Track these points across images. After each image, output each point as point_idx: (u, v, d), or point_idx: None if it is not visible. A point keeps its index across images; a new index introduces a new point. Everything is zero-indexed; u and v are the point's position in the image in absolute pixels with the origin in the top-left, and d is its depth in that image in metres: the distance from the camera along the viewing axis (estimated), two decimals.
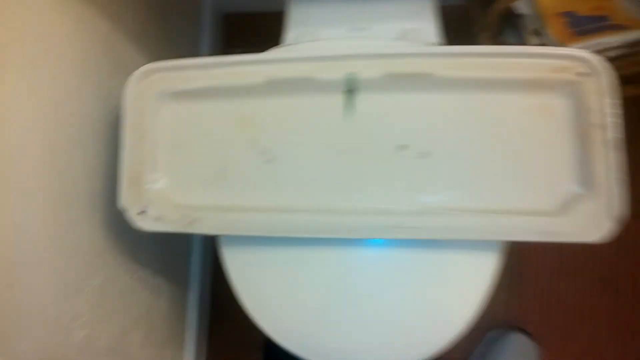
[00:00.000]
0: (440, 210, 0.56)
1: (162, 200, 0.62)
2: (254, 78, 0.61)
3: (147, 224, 0.61)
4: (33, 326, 0.54)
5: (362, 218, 0.58)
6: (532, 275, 1.06)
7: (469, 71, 0.57)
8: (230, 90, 0.61)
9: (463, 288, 0.60)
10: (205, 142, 0.63)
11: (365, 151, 0.60)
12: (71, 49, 0.60)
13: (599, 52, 0.68)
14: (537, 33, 0.79)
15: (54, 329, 0.58)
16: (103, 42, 0.68)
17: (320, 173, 0.61)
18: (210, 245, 1.10)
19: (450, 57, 0.57)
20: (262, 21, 1.16)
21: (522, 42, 0.81)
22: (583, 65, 0.54)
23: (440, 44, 0.70)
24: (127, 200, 0.61)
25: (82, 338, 0.63)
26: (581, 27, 0.77)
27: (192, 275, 1.03)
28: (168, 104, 0.63)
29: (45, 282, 0.56)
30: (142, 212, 0.61)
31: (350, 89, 0.60)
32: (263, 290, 0.64)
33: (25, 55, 0.53)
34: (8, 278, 0.51)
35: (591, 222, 0.52)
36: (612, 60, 0.60)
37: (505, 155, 0.57)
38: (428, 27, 0.71)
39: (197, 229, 0.60)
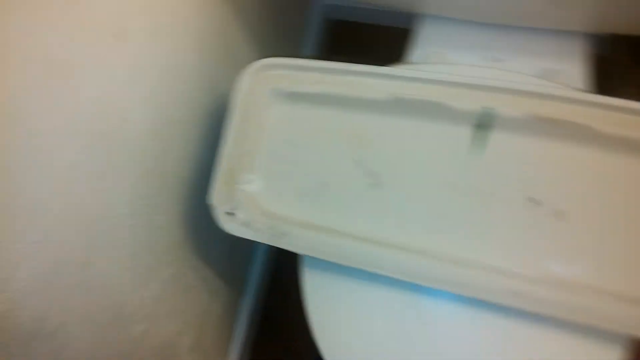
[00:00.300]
0: (571, 285, 0.48)
1: (253, 204, 0.56)
2: (378, 93, 0.55)
3: (233, 226, 0.56)
4: (95, 313, 0.50)
5: (472, 273, 0.50)
6: None
7: (631, 130, 0.49)
8: (349, 100, 0.56)
9: None
10: (310, 151, 0.57)
11: (488, 197, 0.53)
12: (190, 30, 0.57)
13: None
14: None
15: (115, 319, 0.54)
16: (219, 29, 0.65)
17: (431, 211, 0.54)
18: (274, 258, 1.05)
19: (614, 111, 0.49)
20: (369, 33, 1.11)
21: None
22: None
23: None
24: (218, 197, 0.56)
25: (139, 333, 0.59)
26: None
27: (250, 284, 0.97)
28: (280, 103, 0.58)
29: (118, 268, 0.52)
30: (231, 213, 0.56)
31: (484, 123, 0.53)
32: (338, 325, 0.58)
33: (152, 24, 0.49)
34: (84, 257, 0.47)
35: None
36: None
37: None
38: (575, 71, 0.62)
39: (284, 244, 0.55)
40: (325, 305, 0.59)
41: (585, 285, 0.48)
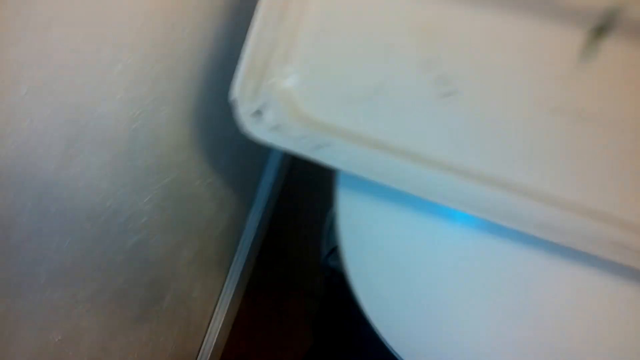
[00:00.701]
0: None
1: (288, 103, 0.44)
2: None
3: (260, 130, 0.44)
4: (83, 220, 0.40)
5: (570, 217, 0.40)
6: None
7: None
8: None
9: None
10: (367, 42, 0.44)
11: (588, 121, 0.41)
12: None
13: None
14: None
15: (106, 225, 0.43)
16: None
17: (519, 135, 0.42)
18: (288, 167, 0.94)
19: None
20: None
21: None
22: None
23: None
24: (243, 92, 0.44)
25: (133, 244, 0.49)
26: None
27: (260, 195, 0.87)
28: None
29: (109, 167, 0.41)
30: (258, 113, 0.44)
31: (604, 26, 0.40)
32: (375, 278, 0.49)
33: None
34: (65, 156, 0.35)
35: None
36: None
37: None
38: None
39: (321, 157, 0.43)
40: (360, 241, 0.49)
41: None
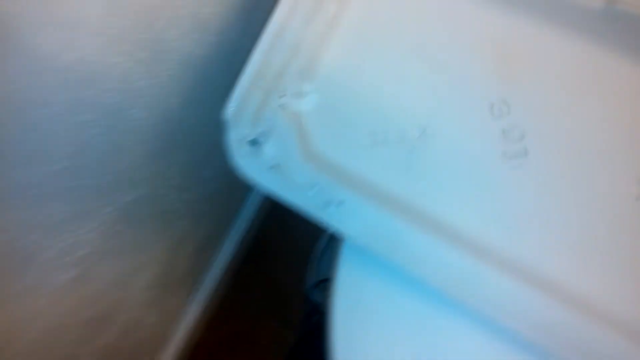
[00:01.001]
0: None
1: (298, 134, 0.33)
2: None
3: (254, 166, 0.32)
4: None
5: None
6: None
7: None
8: None
9: None
10: (415, 66, 0.33)
11: None
12: None
13: None
14: None
15: (26, 264, 0.32)
16: None
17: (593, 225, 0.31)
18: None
19: None
20: None
21: None
22: None
23: None
24: (240, 112, 0.32)
25: (71, 277, 0.37)
26: None
27: (244, 213, 0.76)
28: None
29: (38, 189, 0.29)
30: (255, 143, 0.32)
31: None
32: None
33: None
34: None
35: None
36: None
37: None
38: None
39: (331, 217, 0.32)
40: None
41: None
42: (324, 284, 0.79)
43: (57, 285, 0.35)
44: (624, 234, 0.30)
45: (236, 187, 0.69)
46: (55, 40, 0.24)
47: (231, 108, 0.32)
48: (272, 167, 0.32)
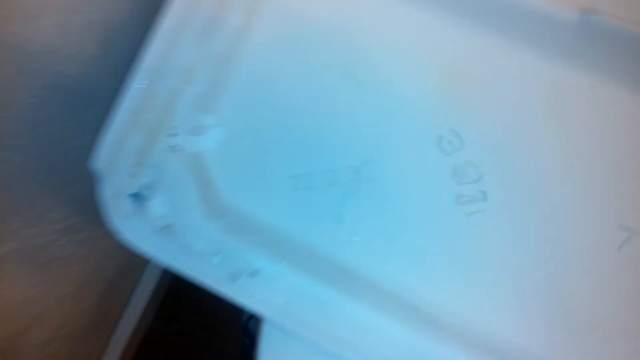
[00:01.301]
0: None
1: (197, 181, 0.25)
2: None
3: (138, 229, 0.24)
4: None
5: None
6: None
7: None
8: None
9: None
10: (340, 89, 0.26)
11: None
12: None
13: None
14: None
15: None
16: None
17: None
18: None
19: None
20: None
21: None
22: None
23: None
24: (114, 157, 0.24)
25: None
26: None
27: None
28: None
29: None
30: (138, 197, 0.24)
31: None
32: None
33: None
34: None
35: None
36: None
37: None
38: None
39: (240, 294, 0.24)
40: None
41: None
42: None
43: None
44: (605, 293, 0.24)
45: None
46: None
47: (102, 154, 0.24)
48: (162, 229, 0.24)
